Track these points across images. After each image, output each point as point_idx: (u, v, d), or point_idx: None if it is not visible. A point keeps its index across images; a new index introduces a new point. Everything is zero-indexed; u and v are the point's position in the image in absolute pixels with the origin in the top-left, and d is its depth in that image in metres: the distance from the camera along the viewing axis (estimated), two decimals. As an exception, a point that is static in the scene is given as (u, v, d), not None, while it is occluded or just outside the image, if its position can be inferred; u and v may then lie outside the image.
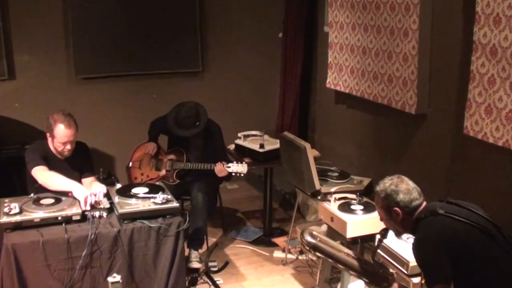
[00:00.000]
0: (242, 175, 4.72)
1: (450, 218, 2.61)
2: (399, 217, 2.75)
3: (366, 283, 3.00)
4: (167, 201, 3.74)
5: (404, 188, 2.75)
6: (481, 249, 2.58)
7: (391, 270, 2.96)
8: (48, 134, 3.97)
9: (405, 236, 3.00)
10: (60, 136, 3.89)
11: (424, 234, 2.64)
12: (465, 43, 4.11)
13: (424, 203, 2.77)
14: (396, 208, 2.73)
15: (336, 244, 3.03)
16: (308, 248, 2.97)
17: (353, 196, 4.11)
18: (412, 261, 3.27)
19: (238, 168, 4.66)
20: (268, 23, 6.57)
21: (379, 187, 2.82)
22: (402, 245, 3.39)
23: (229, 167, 4.66)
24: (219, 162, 4.68)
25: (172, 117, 4.83)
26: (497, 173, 3.86)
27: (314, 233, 2.98)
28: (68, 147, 3.94)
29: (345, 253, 2.95)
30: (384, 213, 2.80)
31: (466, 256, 2.57)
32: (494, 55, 3.76)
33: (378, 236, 3.02)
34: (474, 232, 2.59)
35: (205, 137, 4.92)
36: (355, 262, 2.95)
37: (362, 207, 3.96)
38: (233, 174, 4.71)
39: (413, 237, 2.73)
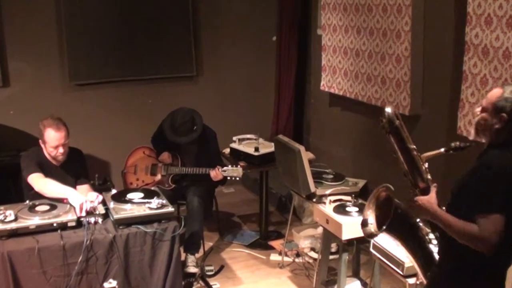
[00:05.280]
0: (237, 179, 4.73)
1: None
2: (497, 124, 2.48)
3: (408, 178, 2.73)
4: (162, 206, 3.74)
5: None
6: None
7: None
8: (40, 141, 3.97)
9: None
10: (51, 140, 3.89)
11: (507, 162, 2.43)
12: (457, 44, 4.13)
13: None
14: (504, 115, 2.46)
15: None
16: (384, 119, 2.68)
17: (348, 198, 4.11)
18: (407, 262, 3.28)
19: (233, 172, 4.67)
20: (262, 26, 6.59)
21: (510, 88, 2.53)
22: (397, 247, 3.40)
23: (224, 171, 4.67)
24: (214, 167, 4.69)
25: (168, 126, 4.83)
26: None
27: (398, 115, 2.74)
28: (61, 150, 3.93)
29: (414, 148, 2.71)
30: (492, 109, 2.50)
31: None
32: (486, 55, 3.78)
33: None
34: None
35: (201, 143, 4.92)
36: (416, 159, 2.71)
37: (357, 208, 3.96)
38: (228, 178, 4.72)
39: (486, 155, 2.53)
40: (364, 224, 2.82)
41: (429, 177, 2.68)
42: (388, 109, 2.71)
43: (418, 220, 2.84)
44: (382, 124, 2.72)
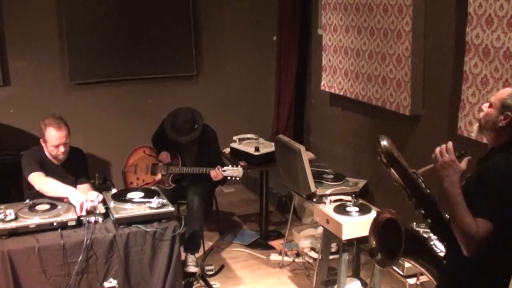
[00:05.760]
0: (237, 178, 4.73)
1: None
2: (502, 121, 2.46)
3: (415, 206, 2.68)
4: (163, 205, 3.74)
5: None
6: None
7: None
8: (41, 140, 3.97)
9: None
10: (52, 139, 3.89)
11: None
12: (458, 44, 4.13)
13: None
14: (510, 113, 2.44)
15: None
16: (383, 155, 2.61)
17: (348, 198, 4.11)
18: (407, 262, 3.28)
19: (233, 172, 4.67)
20: (262, 26, 6.59)
21: None
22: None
23: (224, 171, 4.66)
24: (215, 167, 4.69)
25: (169, 125, 4.83)
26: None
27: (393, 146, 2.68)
28: (62, 149, 3.93)
29: (413, 172, 2.65)
30: (499, 105, 2.48)
31: None
32: (487, 56, 3.78)
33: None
34: None
35: (201, 142, 4.92)
36: (421, 185, 2.65)
37: (357, 208, 3.95)
38: (229, 178, 4.71)
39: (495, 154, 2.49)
40: (374, 253, 2.76)
41: (428, 191, 2.67)
42: (384, 142, 2.63)
43: (422, 232, 2.85)
44: (380, 159, 2.65)
